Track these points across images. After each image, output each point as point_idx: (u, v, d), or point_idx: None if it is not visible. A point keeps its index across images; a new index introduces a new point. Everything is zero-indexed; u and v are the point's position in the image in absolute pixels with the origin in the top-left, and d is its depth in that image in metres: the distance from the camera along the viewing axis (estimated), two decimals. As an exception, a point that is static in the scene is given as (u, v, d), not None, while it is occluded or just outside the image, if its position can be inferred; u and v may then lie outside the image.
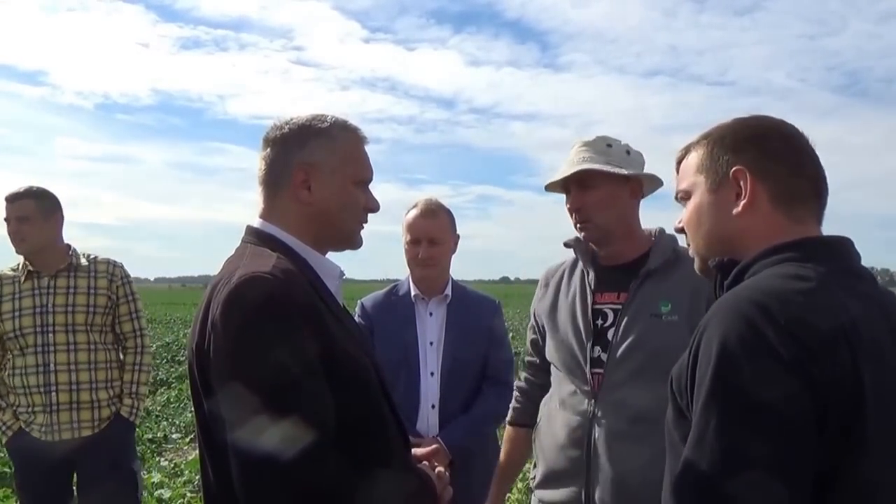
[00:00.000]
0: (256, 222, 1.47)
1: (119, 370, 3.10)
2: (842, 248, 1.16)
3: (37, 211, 2.98)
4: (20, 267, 3.04)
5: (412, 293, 2.59)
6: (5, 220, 3.00)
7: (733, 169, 1.19)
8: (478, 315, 2.61)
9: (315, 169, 1.43)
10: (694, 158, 1.26)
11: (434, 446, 1.85)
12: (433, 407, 2.44)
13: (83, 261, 3.10)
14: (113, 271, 3.13)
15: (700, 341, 1.04)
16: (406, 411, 2.31)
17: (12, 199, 3.00)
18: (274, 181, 1.46)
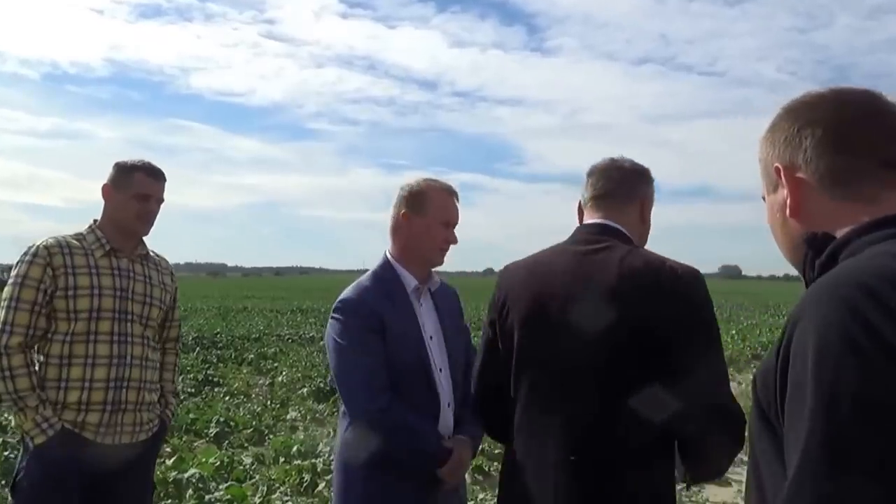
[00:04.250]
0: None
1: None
2: None
3: (163, 193, 2.76)
4: (91, 238, 2.65)
5: (412, 284, 2.29)
6: (140, 195, 2.66)
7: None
8: (452, 303, 2.47)
9: None
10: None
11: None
12: (449, 406, 2.26)
13: (151, 252, 2.82)
14: (172, 271, 2.92)
15: (792, 335, 0.85)
16: (433, 412, 2.21)
17: (159, 177, 2.73)
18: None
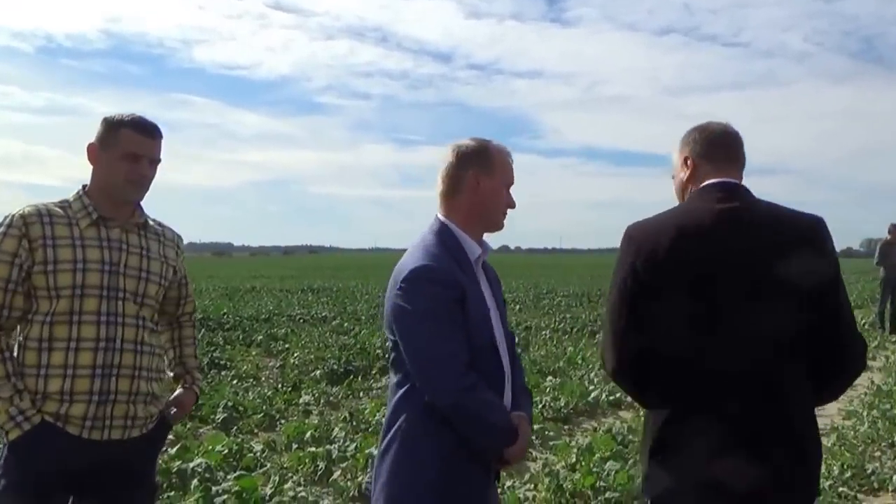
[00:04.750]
0: None
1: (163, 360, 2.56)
2: None
3: (160, 152, 2.42)
4: (77, 206, 2.33)
5: (476, 252, 2.14)
6: (129, 155, 2.32)
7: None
8: (495, 274, 2.34)
9: None
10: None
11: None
12: (508, 382, 2.16)
13: (151, 221, 2.49)
14: (178, 242, 2.60)
15: None
16: (500, 390, 2.12)
17: (153, 134, 2.37)
18: None
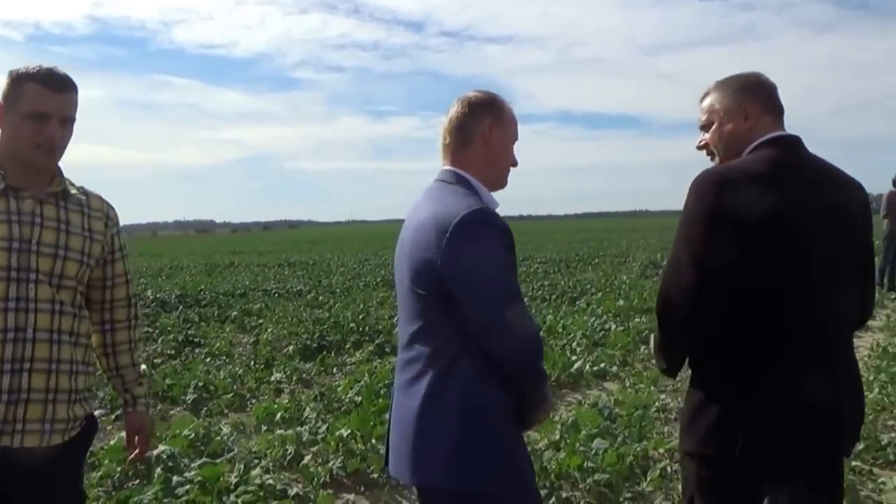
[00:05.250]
0: None
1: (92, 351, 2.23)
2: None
3: (75, 110, 2.06)
4: None
5: (495, 206, 2.05)
6: (34, 114, 1.98)
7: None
8: None
9: None
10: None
11: None
12: None
13: (73, 189, 2.16)
14: (109, 213, 2.24)
15: None
16: None
17: (60, 88, 2.01)
18: None
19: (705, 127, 2.14)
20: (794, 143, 2.01)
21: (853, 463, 4.20)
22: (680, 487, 3.76)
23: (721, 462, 1.91)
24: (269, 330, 9.61)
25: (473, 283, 1.81)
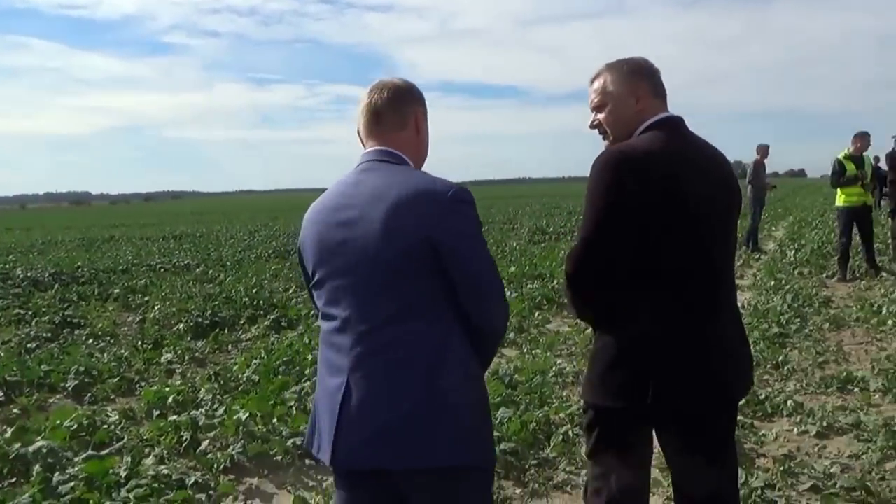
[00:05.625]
0: None
1: None
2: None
3: None
4: None
5: None
6: None
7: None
8: None
9: None
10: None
11: None
12: None
13: None
14: None
15: None
16: None
17: None
18: None
19: (598, 108, 2.24)
20: (679, 123, 2.19)
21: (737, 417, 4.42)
22: (582, 451, 3.87)
23: (629, 413, 2.09)
24: (156, 307, 9.17)
25: (475, 256, 1.87)
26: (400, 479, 1.87)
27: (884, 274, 9.76)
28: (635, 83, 2.18)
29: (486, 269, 1.88)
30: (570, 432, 4.26)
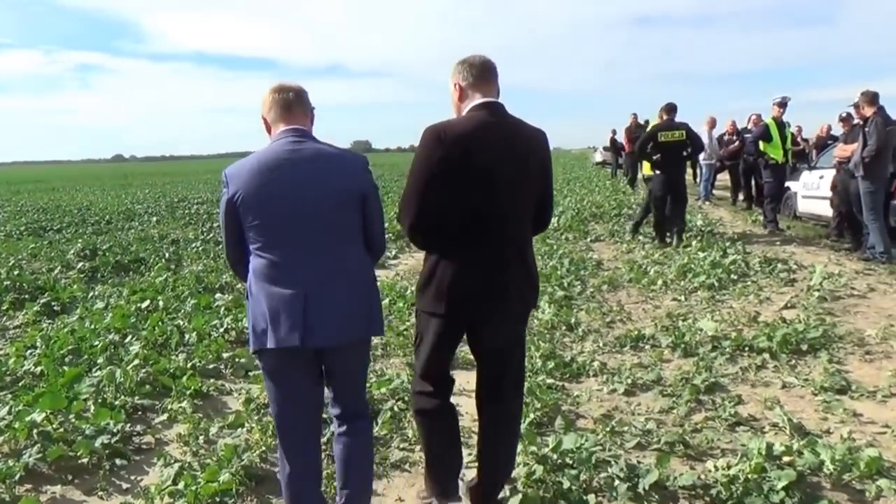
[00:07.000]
0: None
1: None
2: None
3: None
4: None
5: None
6: None
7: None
8: None
9: None
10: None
11: None
12: None
13: None
14: None
15: None
16: None
17: None
18: None
19: None
20: (495, 107, 2.75)
21: (548, 381, 4.64)
22: (410, 431, 3.88)
23: (440, 315, 2.76)
24: None
25: (377, 203, 2.72)
26: (343, 350, 2.65)
27: (640, 237, 10.78)
28: (457, 76, 2.79)
29: (381, 211, 2.75)
30: (395, 408, 4.20)
